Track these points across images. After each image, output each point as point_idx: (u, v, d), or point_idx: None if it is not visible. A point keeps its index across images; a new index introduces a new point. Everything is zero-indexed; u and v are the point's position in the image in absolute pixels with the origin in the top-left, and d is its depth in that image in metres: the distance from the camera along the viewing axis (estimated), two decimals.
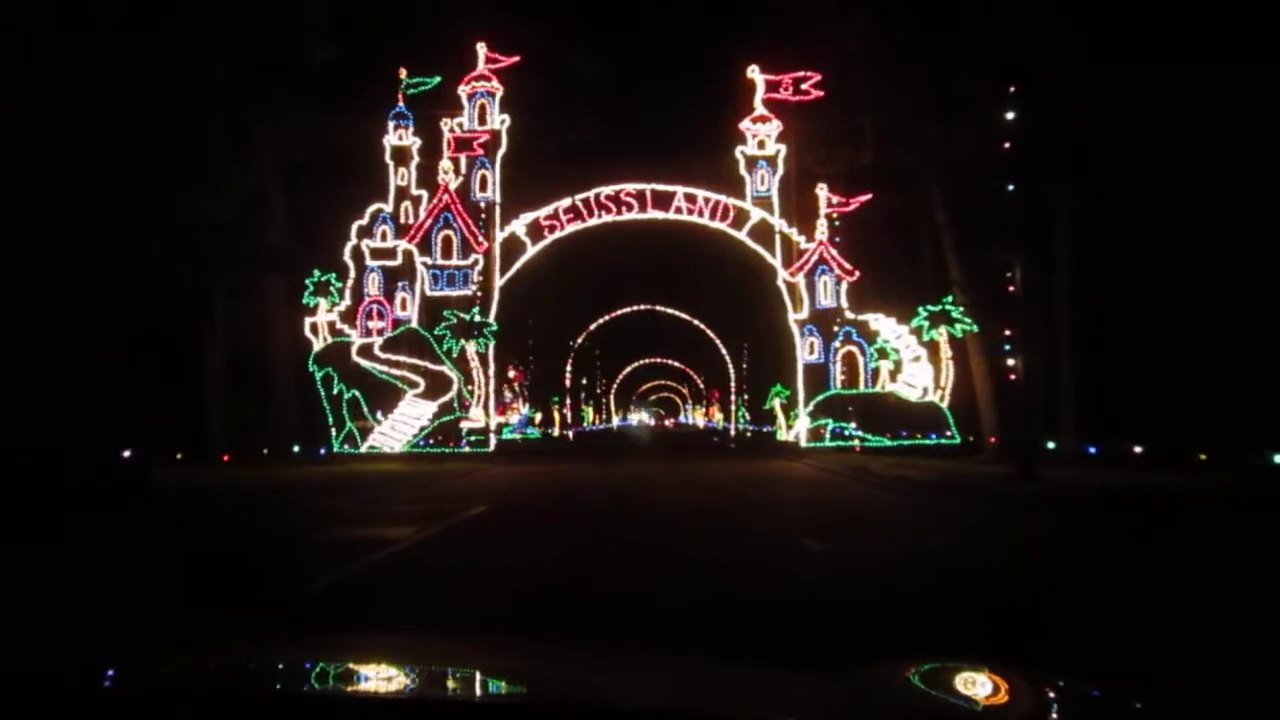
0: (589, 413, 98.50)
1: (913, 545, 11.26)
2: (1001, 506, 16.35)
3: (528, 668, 2.33)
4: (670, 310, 64.52)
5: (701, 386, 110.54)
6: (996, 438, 29.72)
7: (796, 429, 43.74)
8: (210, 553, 10.81)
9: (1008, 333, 22.73)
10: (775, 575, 8.83)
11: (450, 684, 2.24)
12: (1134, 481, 19.29)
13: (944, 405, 30.64)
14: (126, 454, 15.87)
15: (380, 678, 2.25)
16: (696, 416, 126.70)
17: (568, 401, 73.84)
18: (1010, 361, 22.40)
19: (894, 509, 16.21)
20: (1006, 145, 22.97)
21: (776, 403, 56.33)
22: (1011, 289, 22.47)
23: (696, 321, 65.36)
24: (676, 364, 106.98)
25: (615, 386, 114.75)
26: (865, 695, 2.08)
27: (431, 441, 31.03)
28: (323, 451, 31.15)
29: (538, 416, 72.32)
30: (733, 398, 68.75)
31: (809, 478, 23.50)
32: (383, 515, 14.83)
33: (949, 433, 30.66)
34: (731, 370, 66.89)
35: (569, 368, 69.74)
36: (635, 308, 64.77)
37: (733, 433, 67.73)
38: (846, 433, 30.66)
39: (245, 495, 18.27)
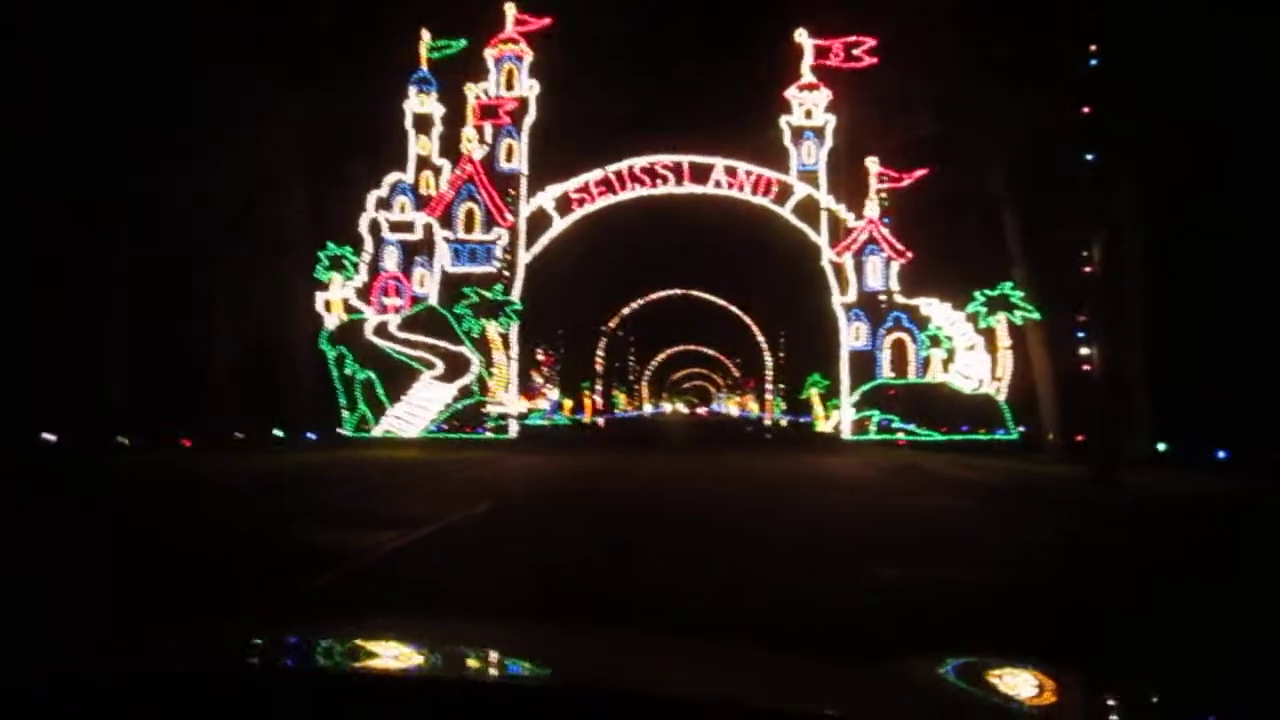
0: (621, 400, 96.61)
1: (998, 571, 9.14)
2: (1086, 519, 14.17)
3: (553, 653, 2.26)
4: (705, 295, 62.49)
5: (736, 375, 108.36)
6: (1057, 435, 27.43)
7: (837, 420, 41.39)
8: (145, 554, 8.89)
9: (1083, 318, 20.38)
10: (838, 621, 6.77)
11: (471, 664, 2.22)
12: (1230, 489, 16.97)
13: (1001, 398, 28.32)
14: (51, 437, 14.02)
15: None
16: (730, 406, 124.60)
17: (598, 388, 71.87)
18: (1085, 351, 20.08)
19: (962, 520, 14.04)
20: (1086, 110, 20.58)
21: (814, 392, 54.14)
22: (1089, 269, 20.13)
23: (732, 307, 63.29)
24: (711, 352, 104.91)
25: (648, 373, 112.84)
26: (907, 688, 2.06)
27: (448, 427, 29.14)
28: (338, 434, 29.38)
29: (568, 403, 70.44)
30: (768, 387, 66.47)
31: (857, 477, 21.35)
32: (370, 513, 12.91)
33: (1005, 429, 28.34)
34: (768, 358, 64.64)
35: (600, 353, 67.75)
36: (669, 292, 62.80)
37: (768, 423, 65.49)
38: (894, 426, 28.41)
39: (227, 485, 16.44)
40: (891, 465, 23.24)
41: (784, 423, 63.56)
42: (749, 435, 52.93)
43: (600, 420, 66.48)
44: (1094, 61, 20.64)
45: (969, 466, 22.39)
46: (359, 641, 2.23)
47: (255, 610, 6.38)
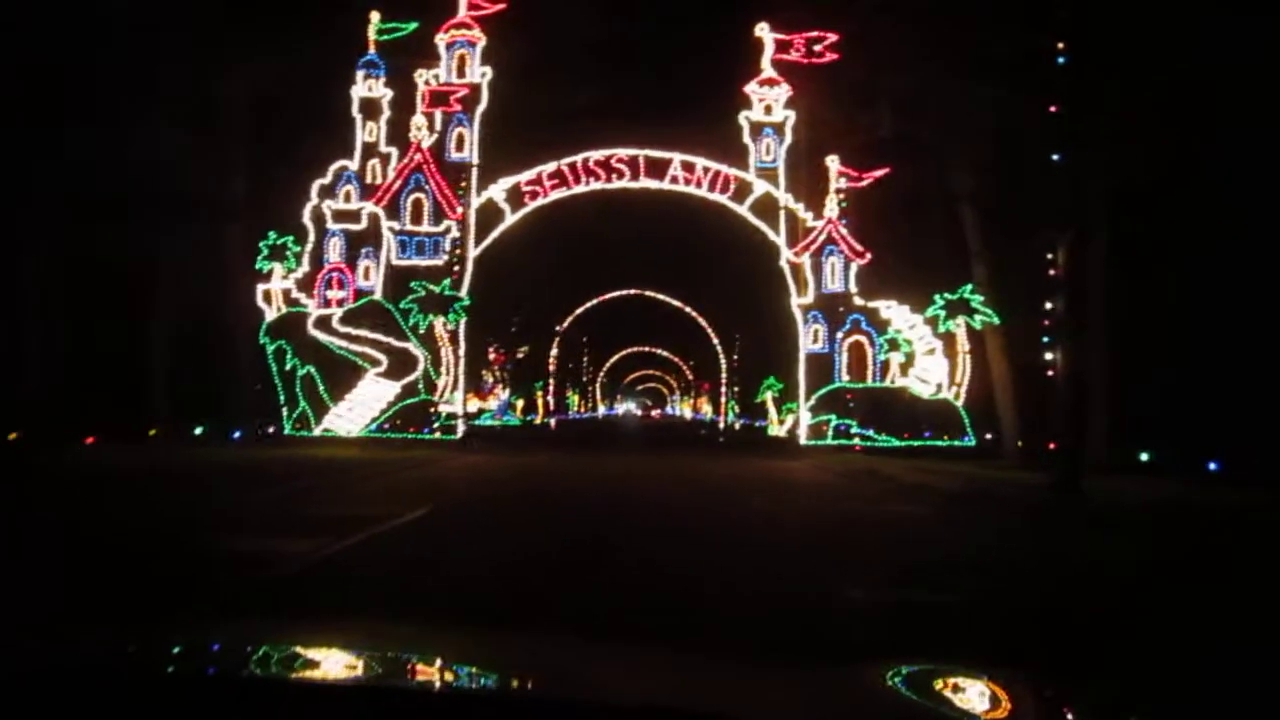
0: (575, 400, 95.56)
1: (961, 580, 8.39)
2: (1048, 526, 13.57)
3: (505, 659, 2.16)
4: (661, 296, 61.68)
5: (690, 378, 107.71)
6: (1014, 441, 27.00)
7: (792, 424, 41.14)
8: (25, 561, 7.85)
9: (1047, 322, 19.81)
10: (802, 632, 5.95)
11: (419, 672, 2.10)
12: (1200, 498, 16.45)
13: (959, 403, 27.80)
14: None
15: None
16: (684, 408, 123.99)
17: (551, 388, 70.77)
18: (1050, 355, 19.50)
19: (926, 529, 13.34)
20: (1053, 109, 20.04)
21: (768, 396, 53.63)
22: (1053, 272, 19.58)
23: (688, 309, 62.53)
24: (665, 353, 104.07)
25: (602, 374, 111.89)
26: (845, 693, 1.99)
27: (391, 426, 28.04)
28: (272, 432, 28.18)
29: (519, 403, 69.30)
30: (723, 390, 65.83)
31: (816, 482, 20.63)
32: (297, 517, 11.90)
33: (964, 434, 27.82)
34: (723, 361, 63.98)
35: (554, 352, 66.67)
36: (624, 292, 61.90)
37: (722, 426, 64.84)
38: (852, 431, 27.77)
39: (143, 482, 15.32)
40: (848, 470, 22.58)
41: (737, 426, 63.02)
42: (702, 438, 52.24)
43: (552, 421, 65.44)
44: (1062, 60, 20.13)
45: (929, 472, 21.79)
46: (260, 648, 2.10)
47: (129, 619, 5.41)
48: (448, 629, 3.29)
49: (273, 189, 28.66)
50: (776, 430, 50.21)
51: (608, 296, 62.50)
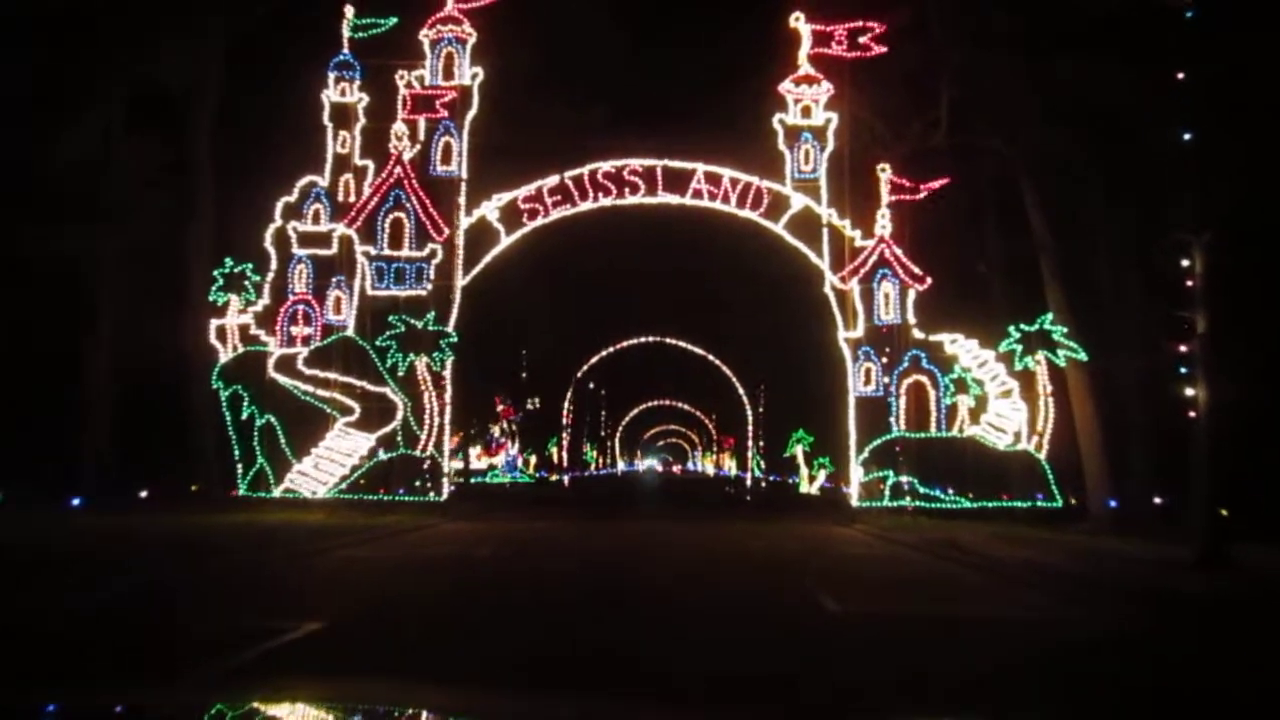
0: (592, 455, 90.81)
1: None
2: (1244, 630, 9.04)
3: None
4: (682, 344, 57.31)
5: (713, 432, 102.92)
6: (1108, 498, 22.39)
7: (829, 480, 36.64)
8: None
9: (1184, 349, 15.26)
10: None
11: None
12: None
13: (1042, 456, 23.15)
14: None
15: None
16: (706, 464, 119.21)
17: (565, 442, 66.02)
18: (1191, 392, 14.94)
19: (1059, 634, 8.81)
20: (1180, 76, 15.67)
21: (799, 450, 48.74)
22: (1190, 283, 15.10)
23: (711, 357, 58.09)
24: (686, 406, 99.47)
25: (621, 429, 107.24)
26: None
27: (365, 485, 23.60)
28: (240, 492, 23.80)
29: (532, 459, 64.67)
30: (750, 443, 61.04)
31: (886, 558, 16.01)
32: (126, 627, 7.48)
33: (1048, 494, 23.14)
34: (749, 412, 59.28)
35: (568, 404, 62.08)
36: (643, 339, 57.59)
37: (748, 483, 59.97)
38: (916, 489, 23.12)
39: None
40: (922, 541, 17.96)
41: (763, 483, 58.20)
42: (729, 497, 47.51)
43: (566, 479, 60.76)
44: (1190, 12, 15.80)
45: (1020, 543, 17.26)
46: None
47: None
48: None
49: (232, 208, 24.71)
50: (808, 488, 45.54)
51: (625, 344, 58.35)
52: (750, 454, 62.72)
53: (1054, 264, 24.11)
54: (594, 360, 59.01)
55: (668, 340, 57.68)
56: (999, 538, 18.37)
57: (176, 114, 26.02)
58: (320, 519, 21.39)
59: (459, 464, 42.74)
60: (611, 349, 58.31)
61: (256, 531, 17.28)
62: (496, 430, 56.01)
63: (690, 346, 57.90)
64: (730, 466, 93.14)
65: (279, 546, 15.05)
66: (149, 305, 24.76)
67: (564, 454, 65.26)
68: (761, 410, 59.53)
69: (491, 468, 58.91)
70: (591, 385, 69.92)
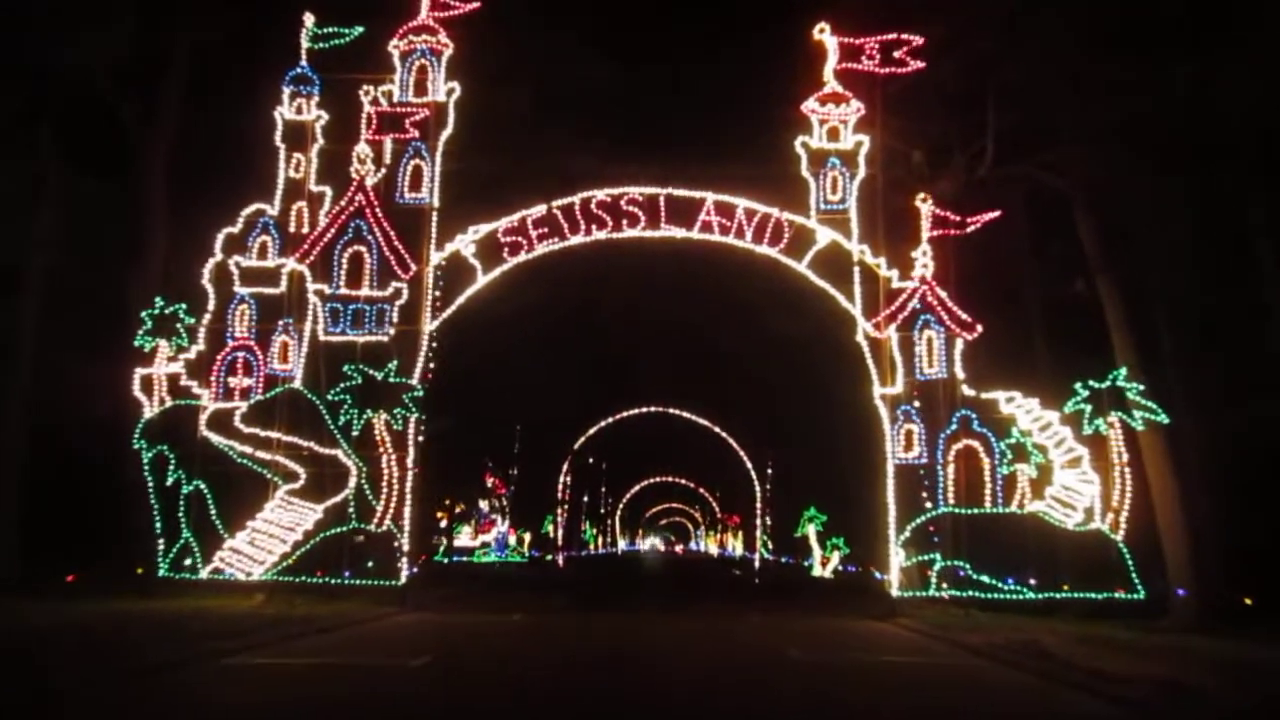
0: (591, 534, 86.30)
1: None
2: None
3: None
4: (684, 414, 53.64)
5: (716, 510, 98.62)
6: (1193, 587, 18.58)
7: (837, 562, 33.09)
8: None
9: None
10: None
11: None
12: None
13: (1118, 537, 19.32)
14: None
15: None
16: (709, 543, 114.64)
17: (561, 519, 61.72)
18: None
19: None
20: None
21: (810, 530, 44.75)
22: None
23: (717, 429, 54.40)
24: (689, 483, 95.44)
25: (621, 507, 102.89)
26: None
27: (310, 565, 19.74)
28: (162, 573, 19.95)
29: (527, 537, 60.36)
30: (757, 520, 56.94)
31: (962, 682, 12.07)
32: None
33: (1128, 584, 19.26)
34: (757, 488, 55.38)
35: (564, 478, 58.04)
36: (642, 409, 53.95)
37: (756, 565, 55.75)
38: (969, 576, 19.23)
39: None
40: (990, 645, 14.09)
41: (770, 563, 54.05)
42: (736, 580, 43.32)
43: (560, 559, 56.48)
44: None
45: (1121, 649, 13.58)
46: None
47: None
48: None
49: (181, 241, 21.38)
50: (821, 571, 41.61)
51: (624, 415, 54.75)
52: (758, 533, 58.61)
53: (1121, 311, 20.65)
54: (592, 431, 55.43)
55: (670, 410, 54.25)
56: (1090, 642, 14.54)
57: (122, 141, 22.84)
58: (251, 607, 17.63)
59: (440, 540, 38.88)
60: (610, 419, 54.81)
61: (145, 625, 13.53)
62: (485, 505, 51.94)
63: (694, 417, 54.38)
64: (734, 546, 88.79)
65: (150, 649, 11.23)
66: (81, 355, 21.36)
67: (560, 532, 61.03)
68: (769, 488, 55.71)
69: (485, 546, 54.84)
70: (590, 460, 66.17)
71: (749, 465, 54.64)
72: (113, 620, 14.29)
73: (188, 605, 17.15)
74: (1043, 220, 22.93)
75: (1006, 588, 19.36)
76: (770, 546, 56.79)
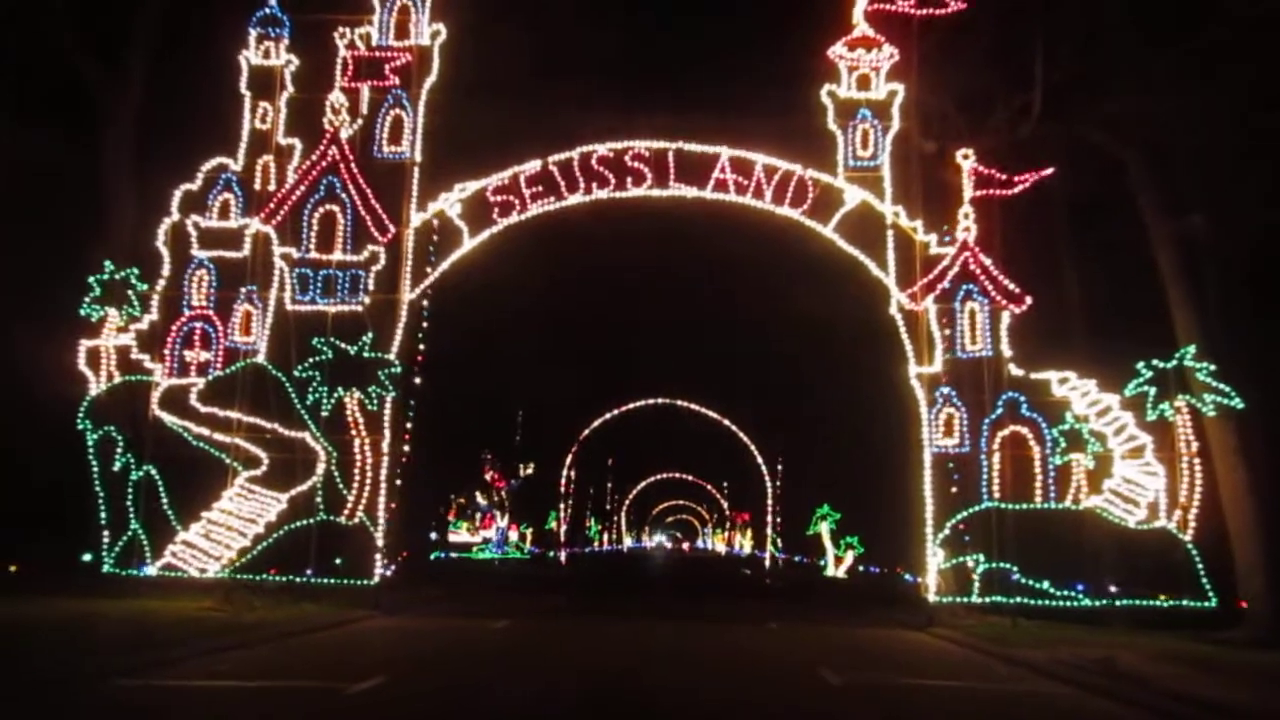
0: (595, 530, 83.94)
1: None
2: None
3: None
4: (693, 405, 51.37)
5: (725, 507, 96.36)
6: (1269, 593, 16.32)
7: (850, 561, 31.10)
8: None
9: None
10: None
11: None
12: None
13: (1187, 537, 17.00)
14: None
15: None
16: (717, 542, 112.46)
17: (564, 515, 59.32)
18: None
19: None
20: None
21: (823, 528, 42.44)
22: None
23: (726, 421, 52.11)
24: (696, 480, 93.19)
25: (628, 503, 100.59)
26: None
27: (273, 561, 17.55)
28: (107, 568, 17.78)
29: (529, 533, 58.03)
30: (768, 518, 54.61)
31: (1032, 708, 9.79)
32: None
33: (1199, 590, 16.94)
34: (768, 484, 53.07)
35: (567, 470, 55.65)
36: (648, 401, 51.71)
37: (767, 564, 53.48)
38: (1018, 581, 16.92)
39: None
40: (1056, 662, 11.83)
41: (780, 561, 51.77)
42: (749, 580, 41.03)
43: (563, 556, 54.19)
44: None
45: (1204, 668, 11.25)
46: None
47: None
48: None
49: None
50: (834, 570, 39.41)
51: (630, 407, 52.48)
52: (768, 530, 56.33)
53: (1183, 285, 18.36)
54: (597, 423, 53.16)
55: (677, 402, 51.98)
56: (1169, 659, 12.31)
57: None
58: (201, 609, 15.42)
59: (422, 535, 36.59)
60: (615, 412, 52.57)
61: (52, 631, 11.35)
62: (482, 500, 49.67)
63: (702, 409, 52.14)
64: (743, 544, 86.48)
65: (37, 662, 9.04)
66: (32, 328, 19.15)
67: (564, 529, 58.71)
68: (778, 484, 53.40)
69: (487, 541, 52.60)
70: (595, 454, 63.91)
71: (760, 460, 52.34)
72: (19, 623, 12.11)
73: (125, 607, 14.99)
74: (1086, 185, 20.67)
75: (1059, 593, 17.04)
76: (780, 545, 54.58)
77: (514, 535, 55.22)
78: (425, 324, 19.43)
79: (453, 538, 48.83)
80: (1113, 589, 17.37)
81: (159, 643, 11.22)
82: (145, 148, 20.07)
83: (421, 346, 20.78)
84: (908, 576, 21.98)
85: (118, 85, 20.17)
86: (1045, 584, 17.08)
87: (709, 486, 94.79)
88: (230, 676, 9.75)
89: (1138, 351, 17.90)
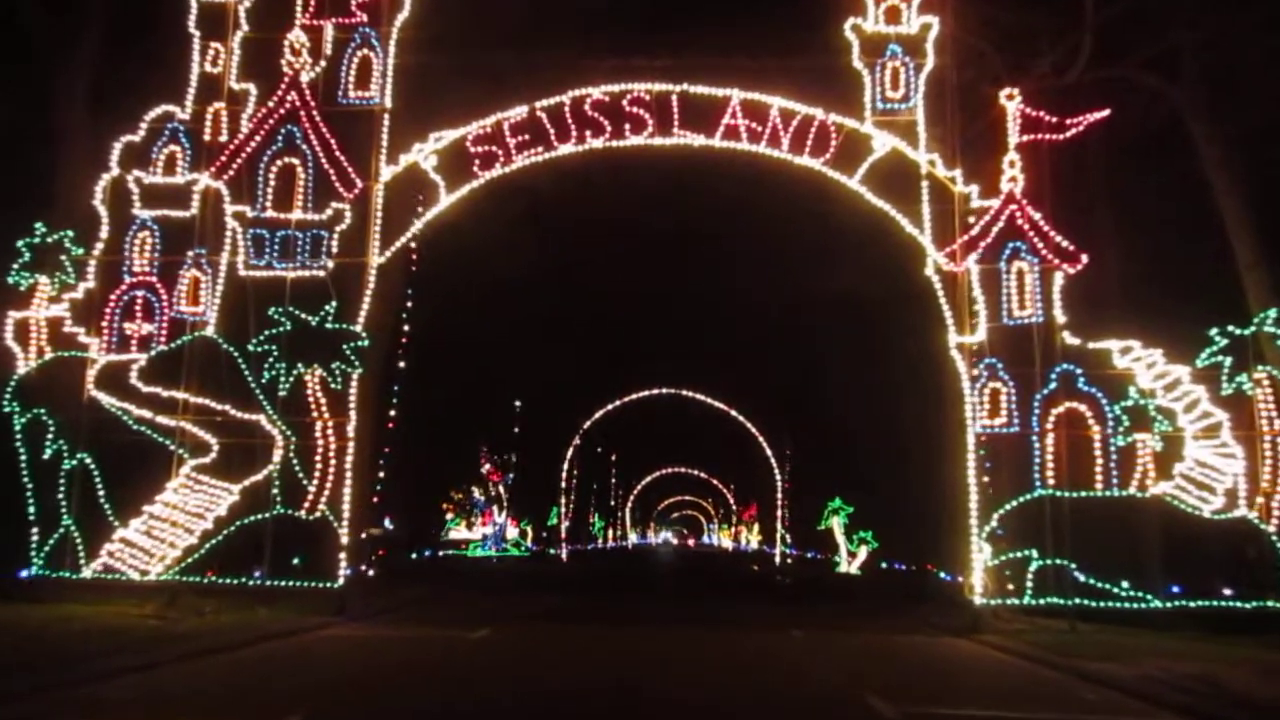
0: (600, 527, 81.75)
1: None
2: None
3: None
4: (699, 395, 49.30)
5: (731, 501, 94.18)
6: None
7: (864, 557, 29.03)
8: None
9: None
10: None
11: None
12: None
13: (1270, 527, 14.79)
14: None
15: None
16: (723, 537, 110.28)
17: (567, 511, 57.10)
18: None
19: None
20: None
21: (835, 522, 40.29)
22: None
23: (734, 412, 49.99)
24: (702, 474, 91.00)
25: (632, 498, 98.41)
26: None
27: (222, 563, 15.40)
28: (34, 571, 15.65)
29: (529, 529, 55.83)
30: (778, 511, 52.44)
31: None
32: None
33: (1274, 586, 14.74)
34: (778, 476, 50.94)
35: (568, 464, 53.45)
36: (652, 391, 49.61)
37: (777, 560, 51.33)
38: (1083, 581, 14.71)
39: None
40: (1145, 680, 9.62)
41: (789, 558, 49.67)
42: (758, 578, 38.84)
43: (563, 553, 52.03)
44: None
45: None
46: None
47: None
48: None
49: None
50: (847, 567, 37.29)
51: (633, 397, 50.35)
52: (778, 525, 54.16)
53: (1252, 245, 16.22)
54: (598, 415, 51.03)
55: (682, 393, 49.88)
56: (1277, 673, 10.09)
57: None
58: (142, 616, 13.33)
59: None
60: (618, 402, 50.47)
61: None
62: (479, 493, 47.49)
63: (709, 400, 50.03)
64: (750, 540, 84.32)
65: None
66: None
67: (564, 525, 56.50)
68: (787, 476, 51.28)
69: (484, 538, 50.47)
70: (598, 448, 61.81)
71: (768, 451, 50.20)
72: None
73: (42, 615, 12.87)
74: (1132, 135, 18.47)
75: (1124, 592, 14.83)
76: (789, 540, 52.46)
77: (514, 532, 53.13)
78: (410, 295, 17.32)
79: (453, 535, 46.80)
80: (1174, 589, 15.21)
81: (47, 664, 9.06)
82: (99, 102, 17.92)
83: (407, 328, 18.73)
84: (944, 574, 19.80)
85: (66, 32, 18.03)
86: (1123, 584, 14.83)
87: (715, 481, 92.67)
88: (86, 712, 7.60)
89: (1206, 318, 15.74)
